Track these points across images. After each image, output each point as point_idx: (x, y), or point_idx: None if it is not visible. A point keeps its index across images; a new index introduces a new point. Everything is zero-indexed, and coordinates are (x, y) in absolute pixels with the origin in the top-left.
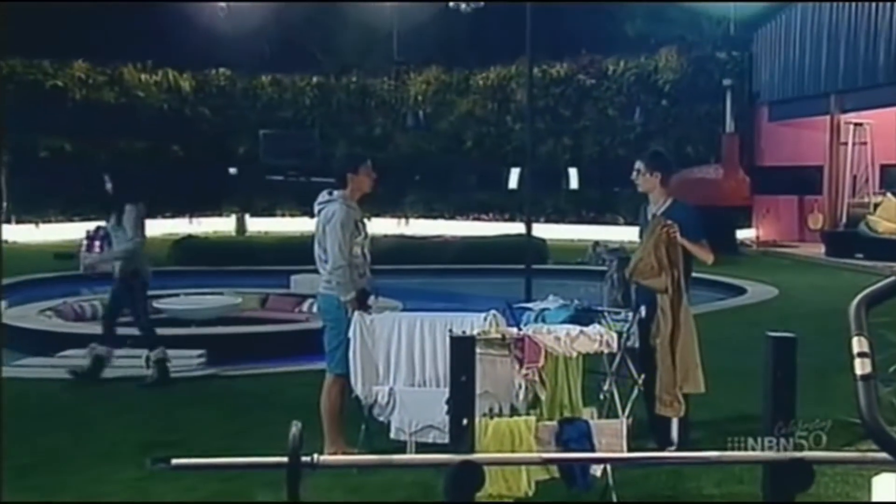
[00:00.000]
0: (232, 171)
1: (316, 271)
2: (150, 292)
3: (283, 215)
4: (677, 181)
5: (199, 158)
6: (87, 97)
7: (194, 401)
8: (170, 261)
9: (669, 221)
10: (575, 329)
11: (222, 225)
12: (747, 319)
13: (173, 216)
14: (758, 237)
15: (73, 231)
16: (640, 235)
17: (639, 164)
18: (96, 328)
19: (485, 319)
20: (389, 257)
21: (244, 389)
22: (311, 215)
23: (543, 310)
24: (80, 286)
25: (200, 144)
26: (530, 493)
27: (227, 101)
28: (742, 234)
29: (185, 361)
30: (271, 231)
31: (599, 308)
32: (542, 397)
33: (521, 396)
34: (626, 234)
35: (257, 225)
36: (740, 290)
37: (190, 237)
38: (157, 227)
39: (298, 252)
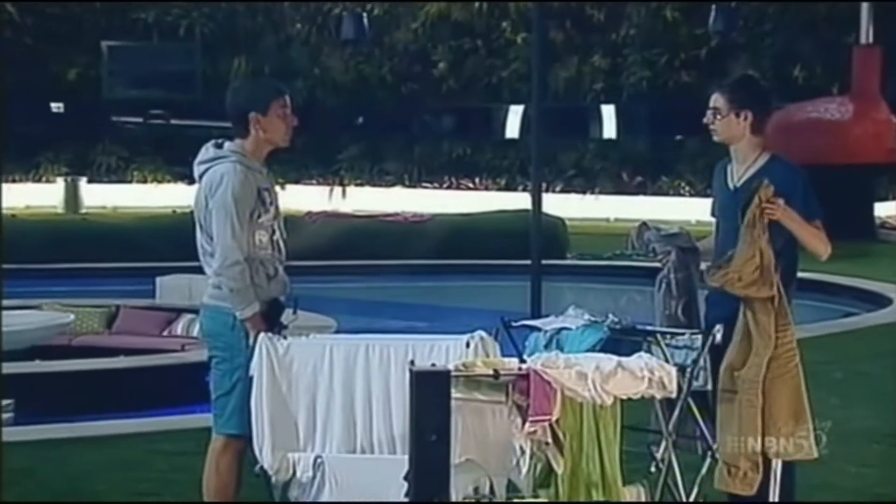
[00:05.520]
0: (56, 107)
1: (197, 270)
2: None
3: (142, 180)
4: (778, 125)
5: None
6: None
7: None
8: None
9: (767, 183)
10: (610, 361)
11: (41, 195)
12: (892, 348)
13: None
14: None
15: None
16: (715, 212)
17: (716, 99)
18: None
19: (467, 345)
20: (317, 248)
21: (78, 461)
22: (189, 181)
23: (560, 330)
24: None
25: (2, 64)
26: None
27: None
28: (884, 208)
29: None
30: (123, 206)
31: (649, 328)
32: (559, 469)
33: (525, 468)
34: (692, 209)
35: (99, 196)
36: (880, 301)
37: None
38: None
39: (167, 239)
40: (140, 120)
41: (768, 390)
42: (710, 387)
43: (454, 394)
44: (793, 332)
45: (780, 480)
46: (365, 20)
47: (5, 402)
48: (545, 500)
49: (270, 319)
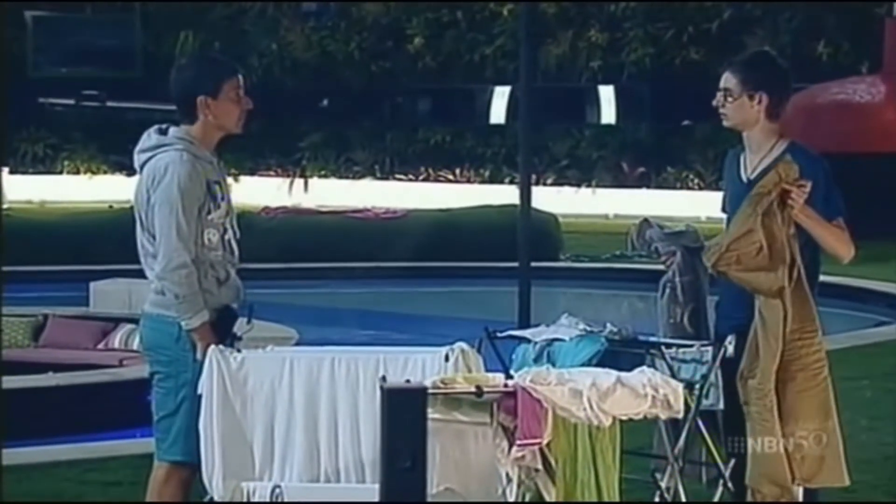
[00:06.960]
0: None
1: (138, 274)
2: None
3: (73, 171)
4: (799, 108)
5: None
6: None
7: None
8: None
9: (790, 159)
10: (608, 377)
11: None
12: None
13: None
14: None
15: None
16: (726, 207)
17: (727, 79)
18: None
19: (446, 359)
20: (275, 249)
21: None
22: (128, 172)
23: (552, 341)
24: None
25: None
26: None
27: None
28: None
29: None
30: (51, 200)
31: (652, 339)
32: (550, 499)
33: (512, 497)
34: (700, 204)
35: (24, 189)
36: None
37: None
38: None
39: (103, 239)
40: (71, 102)
41: (791, 407)
42: (721, 406)
43: (431, 414)
44: (821, 340)
45: None
46: None
47: None
48: None
49: (221, 330)
